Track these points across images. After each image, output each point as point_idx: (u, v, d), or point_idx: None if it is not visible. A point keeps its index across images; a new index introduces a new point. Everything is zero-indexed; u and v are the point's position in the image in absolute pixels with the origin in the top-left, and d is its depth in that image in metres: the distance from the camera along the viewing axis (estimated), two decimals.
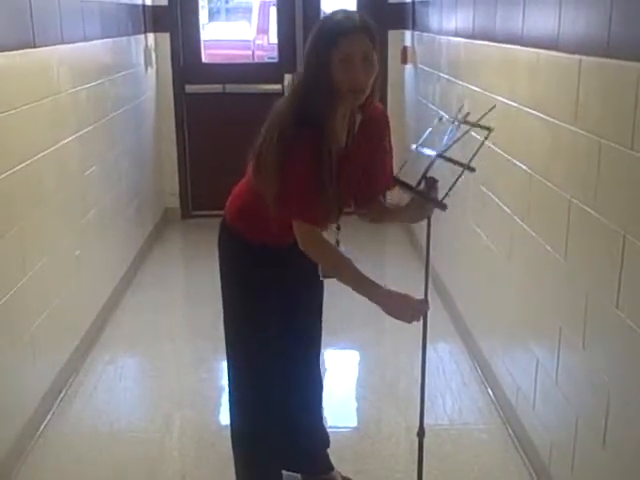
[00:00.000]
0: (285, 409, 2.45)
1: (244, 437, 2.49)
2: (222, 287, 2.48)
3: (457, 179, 2.10)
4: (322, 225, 2.16)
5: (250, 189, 2.22)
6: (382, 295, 2.15)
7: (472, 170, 2.11)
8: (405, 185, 2.28)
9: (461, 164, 2.12)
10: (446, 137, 2.17)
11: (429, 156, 2.17)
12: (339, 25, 2.00)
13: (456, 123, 2.16)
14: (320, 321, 2.54)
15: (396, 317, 2.16)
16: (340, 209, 2.23)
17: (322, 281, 2.42)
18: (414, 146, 2.24)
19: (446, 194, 2.14)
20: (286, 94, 2.16)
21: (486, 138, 2.11)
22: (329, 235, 2.24)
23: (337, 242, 2.28)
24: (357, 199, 2.32)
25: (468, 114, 2.19)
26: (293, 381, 2.46)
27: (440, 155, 2.15)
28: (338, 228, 2.29)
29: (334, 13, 2.06)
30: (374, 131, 2.25)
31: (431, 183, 2.19)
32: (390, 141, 2.33)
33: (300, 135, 2.01)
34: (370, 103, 2.13)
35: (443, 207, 2.14)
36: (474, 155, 2.11)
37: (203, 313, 4.23)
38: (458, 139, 2.14)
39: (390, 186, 2.35)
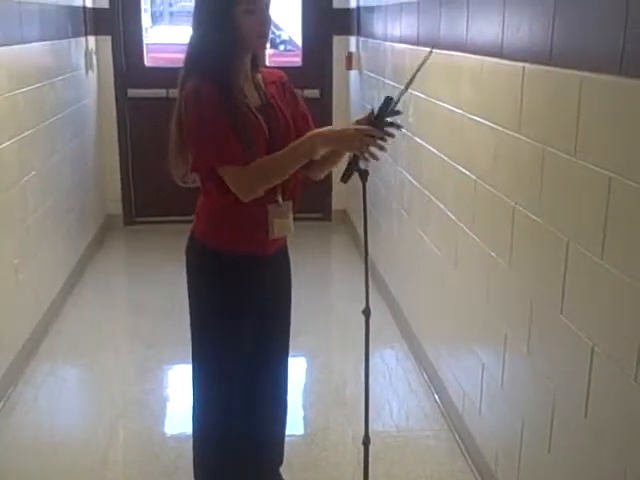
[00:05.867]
0: (248, 424, 2.40)
1: (206, 449, 2.43)
2: (193, 301, 2.34)
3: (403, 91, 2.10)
4: (248, 157, 2.08)
5: (216, 201, 2.18)
6: (321, 137, 2.09)
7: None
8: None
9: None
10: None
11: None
12: None
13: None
14: (287, 340, 2.49)
15: (348, 147, 2.10)
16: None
17: (290, 302, 2.44)
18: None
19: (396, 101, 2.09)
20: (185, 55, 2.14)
21: (428, 56, 2.08)
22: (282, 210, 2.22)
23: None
24: None
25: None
26: (258, 396, 2.42)
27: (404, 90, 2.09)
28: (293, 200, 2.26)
29: None
30: (282, 89, 2.27)
31: (388, 102, 2.09)
32: (305, 107, 2.33)
33: (202, 86, 2.04)
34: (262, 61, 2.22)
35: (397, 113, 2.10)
36: (417, 71, 2.08)
37: (146, 322, 4.17)
38: (414, 76, 2.08)
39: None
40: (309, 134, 2.12)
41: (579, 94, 1.89)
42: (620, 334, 1.74)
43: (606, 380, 1.81)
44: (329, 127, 2.14)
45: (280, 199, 2.21)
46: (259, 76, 2.23)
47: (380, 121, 2.08)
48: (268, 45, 2.18)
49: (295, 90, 2.33)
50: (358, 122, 2.12)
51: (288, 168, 2.12)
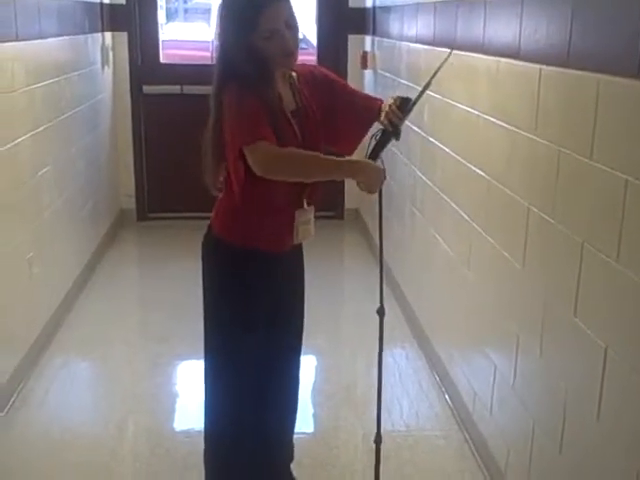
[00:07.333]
0: (259, 420, 2.41)
1: (217, 444, 2.44)
2: (208, 295, 2.36)
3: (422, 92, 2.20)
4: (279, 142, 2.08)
5: (235, 198, 2.18)
6: (359, 162, 2.16)
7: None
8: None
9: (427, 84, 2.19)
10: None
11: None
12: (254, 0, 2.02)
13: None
14: (300, 337, 2.50)
15: (372, 183, 2.17)
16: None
17: (304, 299, 2.46)
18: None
19: (414, 103, 2.18)
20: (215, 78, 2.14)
21: (447, 57, 2.18)
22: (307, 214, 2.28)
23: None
24: (350, 138, 2.36)
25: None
26: (270, 392, 2.43)
27: (423, 91, 2.20)
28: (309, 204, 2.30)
29: None
30: (314, 82, 2.28)
31: (405, 102, 2.18)
32: (339, 80, 2.39)
33: (241, 92, 2.05)
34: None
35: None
36: (436, 72, 2.17)
37: (158, 316, 4.19)
38: (432, 77, 2.18)
39: (378, 105, 2.31)
40: (354, 163, 2.16)
41: (596, 96, 1.88)
42: (634, 337, 1.74)
43: (619, 383, 1.81)
44: (367, 163, 2.16)
45: (305, 204, 2.25)
46: (294, 75, 2.23)
47: (404, 117, 2.18)
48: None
49: (324, 71, 2.37)
50: (392, 105, 2.18)
51: (316, 174, 2.16)
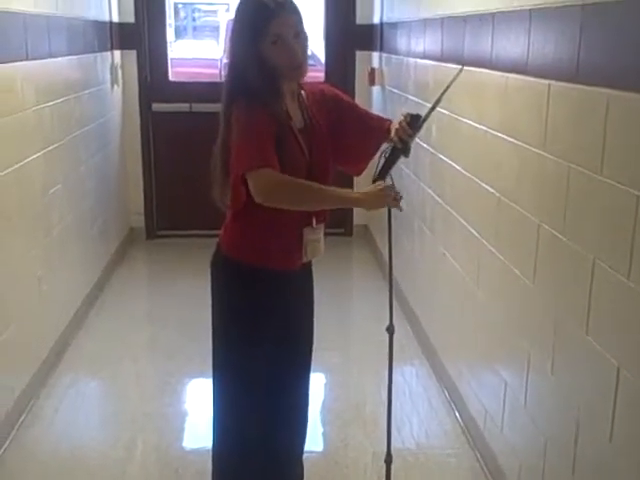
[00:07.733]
0: (268, 439, 2.39)
1: (225, 463, 2.42)
2: (217, 313, 2.35)
3: (432, 108, 2.20)
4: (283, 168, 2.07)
5: (243, 215, 2.18)
6: (361, 195, 2.15)
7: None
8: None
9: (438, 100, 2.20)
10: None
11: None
12: (264, 9, 2.02)
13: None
14: (310, 355, 2.49)
15: (380, 206, 2.17)
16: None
17: (313, 316, 2.45)
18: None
19: (424, 120, 2.18)
20: (224, 91, 2.14)
21: (458, 74, 2.17)
22: (316, 233, 2.27)
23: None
24: (359, 158, 2.36)
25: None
26: (280, 410, 2.41)
27: (433, 107, 2.20)
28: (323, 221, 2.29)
29: None
30: (323, 101, 2.28)
31: (415, 119, 2.19)
32: (348, 100, 2.40)
33: (250, 107, 2.05)
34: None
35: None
36: (446, 88, 2.16)
37: (167, 335, 4.18)
38: (442, 94, 2.18)
39: (387, 125, 2.30)
40: (358, 197, 2.16)
41: (606, 112, 1.87)
42: None
43: (633, 402, 1.79)
44: (371, 195, 2.14)
45: (314, 222, 2.24)
46: (303, 94, 2.23)
47: (415, 134, 2.18)
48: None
49: (335, 90, 2.37)
50: (402, 122, 2.18)
51: (317, 206, 2.17)
